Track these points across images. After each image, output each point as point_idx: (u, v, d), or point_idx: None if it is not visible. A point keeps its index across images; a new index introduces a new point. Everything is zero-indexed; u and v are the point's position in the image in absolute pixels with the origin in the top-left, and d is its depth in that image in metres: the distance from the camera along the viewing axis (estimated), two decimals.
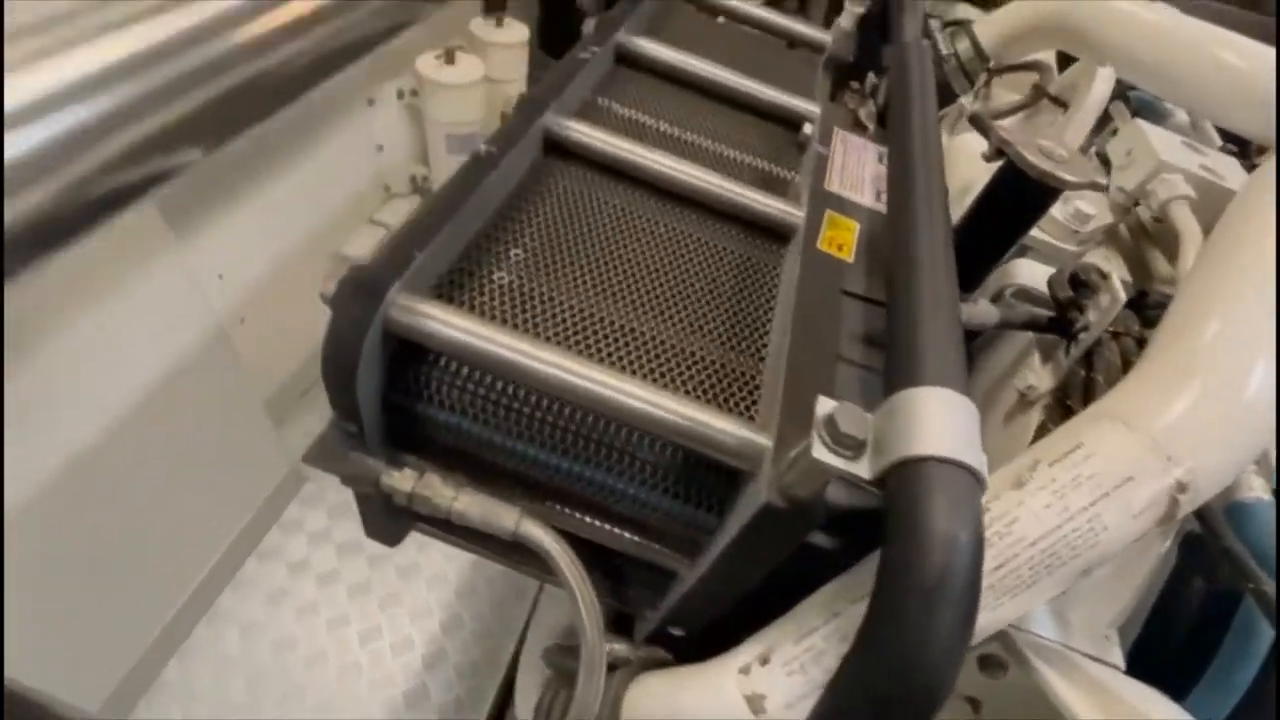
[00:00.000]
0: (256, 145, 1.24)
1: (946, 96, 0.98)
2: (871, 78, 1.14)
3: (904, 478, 0.31)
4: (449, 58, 1.52)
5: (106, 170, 0.20)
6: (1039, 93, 0.66)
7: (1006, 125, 0.68)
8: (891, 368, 0.36)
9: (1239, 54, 0.65)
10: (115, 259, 0.88)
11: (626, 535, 0.54)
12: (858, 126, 0.93)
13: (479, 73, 1.53)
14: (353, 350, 0.41)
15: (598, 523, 0.54)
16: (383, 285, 0.41)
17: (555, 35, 2.00)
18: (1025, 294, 0.60)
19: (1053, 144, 0.50)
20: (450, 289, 0.48)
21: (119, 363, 0.93)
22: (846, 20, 1.06)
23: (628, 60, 0.83)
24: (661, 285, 0.56)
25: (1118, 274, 0.66)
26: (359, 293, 0.41)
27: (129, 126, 0.21)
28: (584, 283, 0.54)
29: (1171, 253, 0.64)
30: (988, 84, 0.90)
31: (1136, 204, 0.64)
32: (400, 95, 1.58)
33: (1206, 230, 0.62)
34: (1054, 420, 0.46)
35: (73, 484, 0.95)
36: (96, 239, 0.85)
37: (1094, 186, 0.48)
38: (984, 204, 0.52)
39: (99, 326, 0.88)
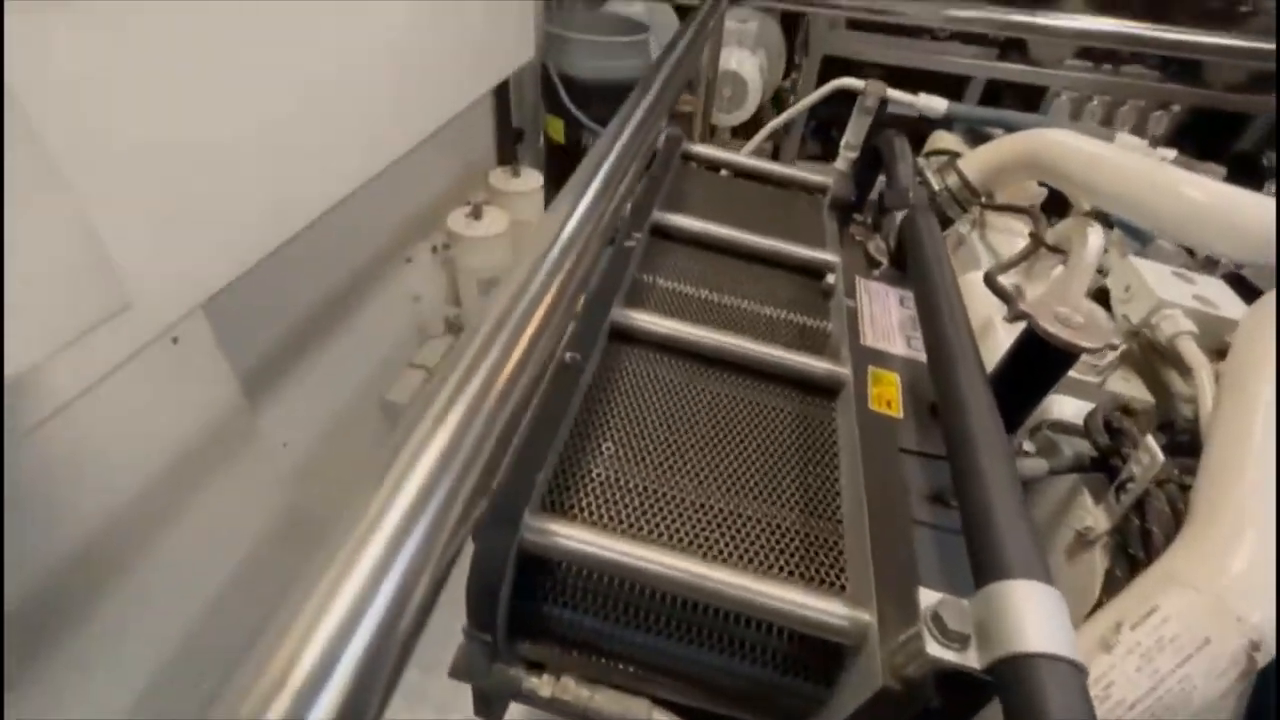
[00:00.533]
0: (317, 311, 1.35)
1: (943, 223, 1.08)
2: (873, 202, 1.25)
3: (1016, 673, 0.36)
4: (476, 213, 1.67)
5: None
6: (1037, 242, 0.75)
7: (1013, 278, 0.76)
8: (977, 558, 0.42)
9: (1199, 190, 0.74)
10: (208, 449, 0.95)
11: (730, 704, 0.57)
12: (871, 263, 1.03)
13: (504, 224, 1.68)
14: (498, 574, 0.47)
15: (703, 693, 0.57)
16: (517, 514, 0.48)
17: (564, 176, 2.18)
18: (1061, 427, 0.66)
19: (1068, 310, 0.57)
20: (561, 494, 0.55)
21: (209, 546, 0.99)
22: (842, 163, 1.18)
23: (661, 234, 0.94)
24: (733, 456, 0.63)
25: (1137, 394, 0.72)
26: (499, 524, 0.47)
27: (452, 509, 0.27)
28: (667, 466, 0.60)
29: (1182, 369, 0.70)
30: (981, 215, 1.00)
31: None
32: (434, 250, 1.72)
33: (1208, 351, 0.69)
34: (1120, 566, 0.51)
35: (151, 673, 0.97)
36: (190, 436, 0.93)
37: (1111, 348, 0.55)
38: (1013, 363, 0.59)
39: (195, 526, 0.94)
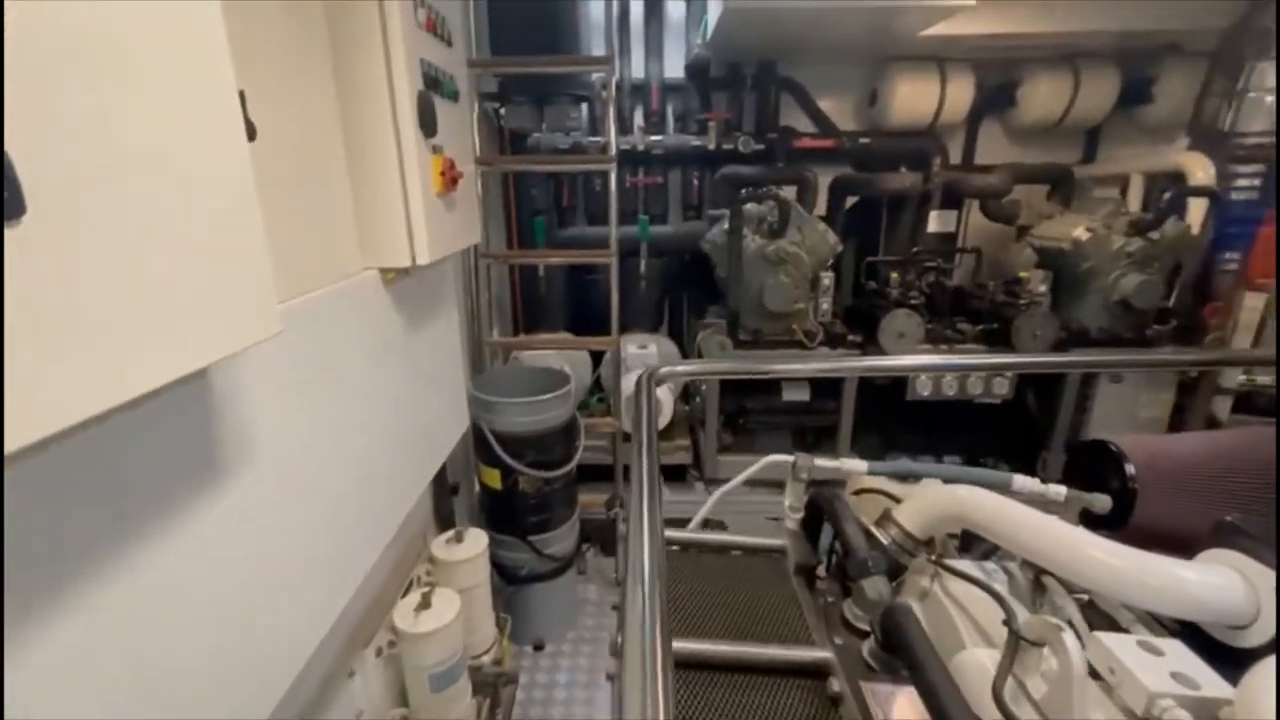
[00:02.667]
0: None
1: (898, 571, 1.16)
2: (824, 546, 1.32)
3: None
4: (425, 602, 1.58)
5: None
6: (1016, 638, 0.82)
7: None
8: None
9: (1107, 552, 0.86)
10: None
11: None
12: (856, 633, 1.06)
13: (455, 607, 1.59)
14: None
15: None
16: None
17: (507, 520, 2.20)
18: None
19: None
20: None
21: None
22: (790, 523, 1.29)
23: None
24: None
25: None
26: None
27: None
28: None
29: None
30: (938, 570, 1.09)
31: None
32: (379, 653, 1.57)
33: None
34: None
35: None
36: None
37: None
38: None
39: None
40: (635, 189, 3.22)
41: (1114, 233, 2.54)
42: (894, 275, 2.72)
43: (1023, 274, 2.62)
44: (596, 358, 3.05)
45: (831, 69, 3.16)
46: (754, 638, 0.99)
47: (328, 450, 1.10)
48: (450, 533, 1.89)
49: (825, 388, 2.79)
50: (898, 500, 1.33)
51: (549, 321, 3.09)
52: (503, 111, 2.71)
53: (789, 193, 2.90)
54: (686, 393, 3.40)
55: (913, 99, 2.97)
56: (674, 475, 2.90)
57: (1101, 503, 1.16)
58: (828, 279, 2.71)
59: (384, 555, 1.69)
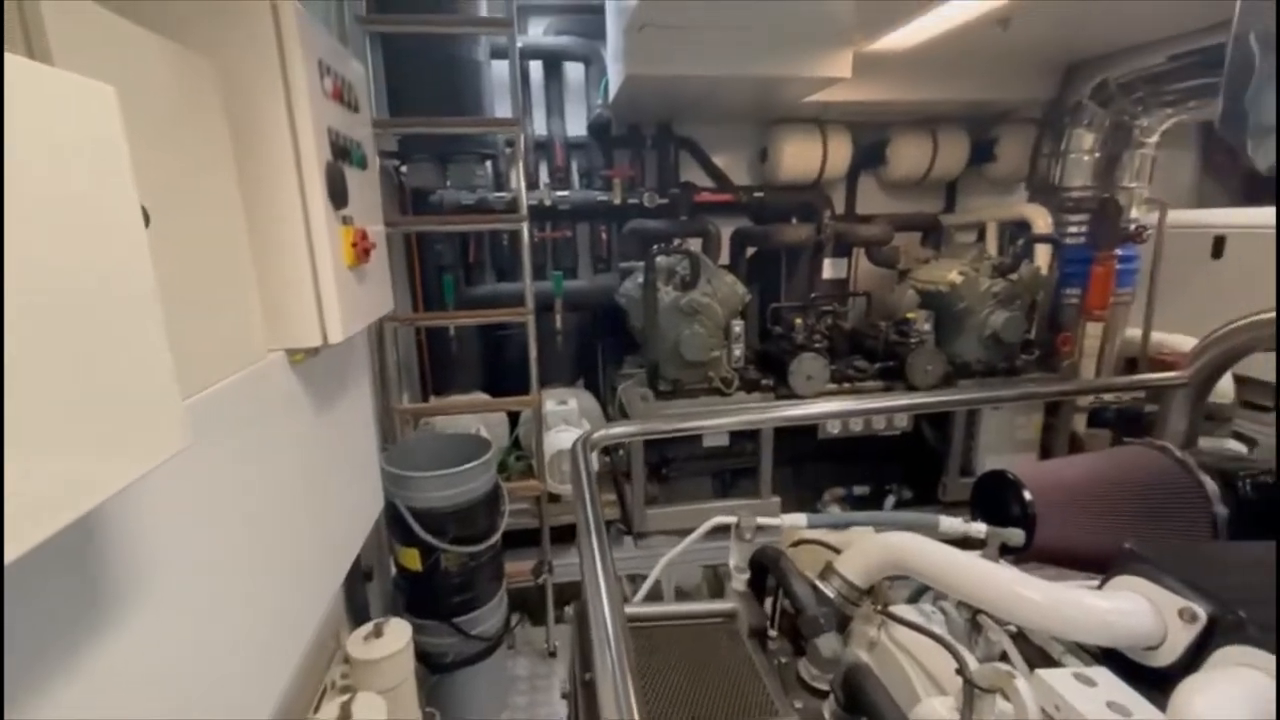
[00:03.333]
0: None
1: (845, 622, 1.19)
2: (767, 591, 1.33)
3: None
4: (344, 714, 1.41)
5: None
6: (971, 685, 0.85)
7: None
8: None
9: (1037, 591, 0.93)
10: None
11: None
12: (812, 694, 1.06)
13: (380, 716, 1.44)
14: None
15: None
16: None
17: (429, 603, 2.03)
18: None
19: None
20: None
21: None
22: (738, 584, 1.28)
23: None
24: None
25: None
26: None
27: None
28: None
29: None
30: (882, 620, 1.13)
31: None
32: None
33: None
34: None
35: None
36: None
37: None
38: None
39: None
40: (544, 243, 3.22)
41: (981, 275, 2.85)
42: (797, 320, 2.88)
43: (909, 314, 2.87)
44: (513, 416, 2.96)
45: (725, 129, 3.36)
46: (719, 715, 0.96)
47: (233, 566, 0.96)
48: (368, 626, 1.72)
49: (743, 431, 2.87)
50: (834, 549, 1.37)
51: (461, 382, 2.97)
52: (404, 169, 2.63)
53: (694, 245, 3.02)
54: (607, 446, 3.37)
55: (799, 157, 3.21)
56: None
57: (1016, 537, 1.26)
58: (738, 327, 2.82)
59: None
